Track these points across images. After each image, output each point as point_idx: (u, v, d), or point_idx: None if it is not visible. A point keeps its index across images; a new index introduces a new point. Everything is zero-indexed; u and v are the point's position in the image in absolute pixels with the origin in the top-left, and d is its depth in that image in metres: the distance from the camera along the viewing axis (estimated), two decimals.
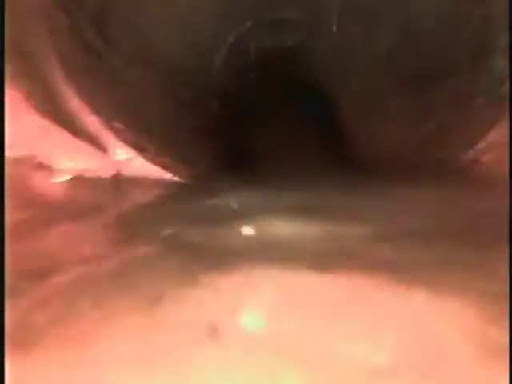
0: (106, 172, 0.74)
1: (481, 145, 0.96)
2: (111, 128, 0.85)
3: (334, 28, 2.31)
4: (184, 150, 1.21)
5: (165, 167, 0.87)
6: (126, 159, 0.81)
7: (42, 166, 0.68)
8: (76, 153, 0.72)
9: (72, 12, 1.08)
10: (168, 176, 0.85)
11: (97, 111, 0.87)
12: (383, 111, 2.09)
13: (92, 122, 0.82)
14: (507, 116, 1.04)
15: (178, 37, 2.02)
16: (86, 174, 0.71)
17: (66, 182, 0.68)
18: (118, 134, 0.85)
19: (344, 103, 2.67)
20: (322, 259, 0.58)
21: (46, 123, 0.68)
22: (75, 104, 0.83)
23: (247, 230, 0.64)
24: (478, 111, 1.08)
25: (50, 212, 0.63)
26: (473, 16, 1.36)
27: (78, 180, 0.69)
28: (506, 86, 1.09)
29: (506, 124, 1.01)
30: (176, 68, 1.95)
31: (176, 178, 0.85)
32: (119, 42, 1.22)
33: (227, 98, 2.54)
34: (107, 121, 0.89)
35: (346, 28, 2.41)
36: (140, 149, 0.86)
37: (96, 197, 0.69)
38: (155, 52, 1.58)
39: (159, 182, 0.81)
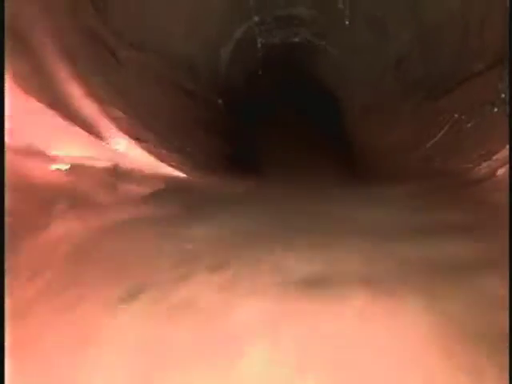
0: (104, 162, 0.70)
1: (497, 156, 0.91)
2: (110, 116, 0.81)
3: (346, 23, 2.26)
4: (183, 142, 1.17)
5: (163, 159, 0.83)
6: (124, 150, 0.77)
7: (40, 154, 0.64)
8: (74, 141, 0.68)
9: None
10: (167, 170, 0.81)
11: (96, 97, 0.83)
12: (391, 118, 2.04)
13: (91, 108, 0.78)
14: None
15: (185, 28, 1.98)
16: (85, 163, 0.67)
17: (64, 170, 0.65)
18: (117, 122, 0.81)
19: (350, 105, 2.63)
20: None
21: (43, 108, 0.65)
22: (74, 88, 0.79)
23: None
24: (494, 121, 1.04)
25: (48, 200, 0.59)
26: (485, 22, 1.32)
27: (75, 169, 0.65)
28: None
29: None
30: (183, 59, 1.90)
31: (175, 172, 0.81)
32: (123, 28, 1.18)
33: (231, 93, 2.49)
34: (107, 108, 0.85)
35: (355, 31, 2.37)
36: (139, 139, 0.82)
37: (93, 189, 0.65)
38: (161, 41, 1.53)
39: (156, 176, 0.77)
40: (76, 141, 0.68)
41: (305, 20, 2.84)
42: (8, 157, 0.61)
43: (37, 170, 0.66)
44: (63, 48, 0.81)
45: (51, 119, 0.64)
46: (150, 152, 0.82)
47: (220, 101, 2.49)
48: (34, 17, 0.74)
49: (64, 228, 0.63)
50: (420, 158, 1.24)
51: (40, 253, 0.59)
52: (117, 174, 0.72)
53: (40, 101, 0.64)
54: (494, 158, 0.90)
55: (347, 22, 2.18)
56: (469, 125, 1.09)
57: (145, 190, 0.73)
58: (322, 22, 2.74)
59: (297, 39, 2.92)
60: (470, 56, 1.39)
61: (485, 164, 0.90)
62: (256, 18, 2.77)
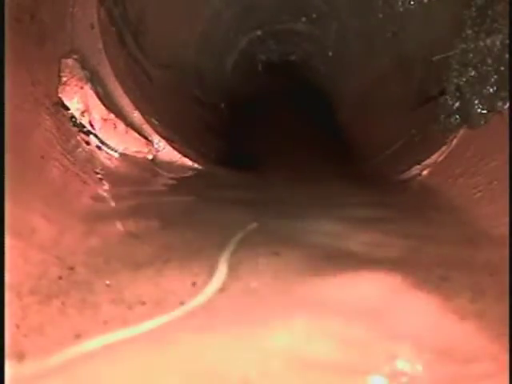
0: (148, 154, 1.05)
1: (425, 162, 1.26)
2: (150, 122, 1.15)
3: (330, 53, 2.59)
4: (196, 143, 1.51)
5: (186, 155, 1.17)
6: (160, 147, 1.11)
7: (106, 145, 0.98)
8: (128, 139, 1.02)
9: (120, 27, 1.37)
10: (189, 163, 1.15)
11: (139, 108, 1.17)
12: (372, 126, 2.39)
13: (137, 116, 1.12)
14: (451, 142, 1.34)
15: (197, 42, 2.32)
16: (136, 155, 1.02)
17: (121, 158, 0.99)
18: (155, 127, 1.15)
19: (342, 113, 2.95)
20: None
21: (110, 115, 0.98)
22: (125, 102, 1.13)
23: None
24: (431, 136, 1.38)
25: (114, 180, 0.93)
26: (439, 58, 1.67)
27: (130, 158, 0.99)
28: (454, 120, 1.40)
29: (447, 148, 1.31)
30: (194, 70, 2.24)
31: (195, 165, 1.15)
32: (153, 51, 1.51)
33: (233, 99, 2.82)
34: (146, 116, 1.19)
35: (345, 48, 2.71)
36: (168, 139, 1.16)
37: (141, 172, 0.99)
38: (179, 58, 1.87)
39: (182, 167, 1.11)
40: (129, 139, 1.02)
41: (302, 35, 3.15)
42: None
43: (104, 157, 1.00)
44: (117, 74, 1.14)
45: (117, 124, 0.98)
46: (175, 149, 1.16)
47: (223, 105, 2.79)
48: (98, 51, 1.08)
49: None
50: (381, 163, 1.59)
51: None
52: (155, 163, 1.06)
53: (110, 112, 0.98)
54: (424, 163, 1.25)
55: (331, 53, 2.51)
56: (416, 138, 1.44)
57: (175, 175, 1.07)
58: (318, 37, 3.05)
59: (295, 52, 3.23)
60: (429, 83, 1.74)
61: (415, 167, 1.25)
62: (258, 32, 3.08)
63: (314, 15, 2.68)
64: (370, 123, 2.45)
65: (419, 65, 2.01)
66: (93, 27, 1.24)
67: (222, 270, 0.59)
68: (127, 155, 1.00)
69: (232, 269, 0.60)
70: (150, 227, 0.77)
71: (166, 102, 1.48)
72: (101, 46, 1.21)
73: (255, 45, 3.08)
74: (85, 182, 0.92)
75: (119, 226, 0.81)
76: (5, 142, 0.65)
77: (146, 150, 1.03)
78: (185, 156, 1.16)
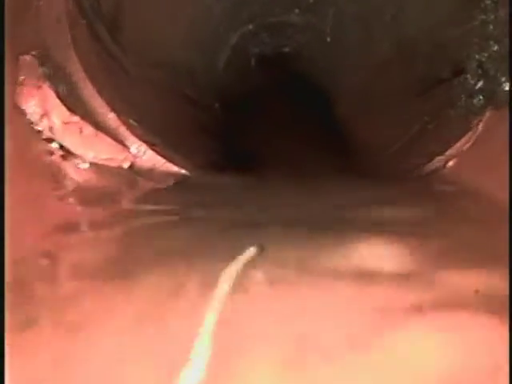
0: (124, 162, 0.88)
1: (449, 152, 1.09)
2: (127, 124, 0.99)
3: (328, 38, 2.44)
4: (185, 146, 1.35)
5: (171, 160, 1.01)
6: (140, 152, 0.95)
7: (71, 155, 0.82)
8: (99, 145, 0.86)
9: (92, 20, 1.22)
10: (175, 169, 0.99)
11: (114, 109, 1.01)
12: (377, 117, 2.23)
13: (111, 118, 0.96)
14: (477, 127, 1.18)
15: (185, 38, 2.16)
16: (108, 163, 0.85)
17: (90, 168, 0.82)
18: (133, 129, 0.99)
19: (341, 107, 2.80)
20: None
21: (73, 118, 0.83)
22: (98, 102, 0.97)
23: None
24: (450, 122, 1.22)
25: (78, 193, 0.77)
26: (453, 35, 1.50)
27: (101, 168, 0.83)
28: (478, 101, 1.24)
29: (472, 135, 1.15)
30: (183, 67, 2.08)
31: (182, 171, 0.99)
32: (133, 48, 1.36)
33: (227, 98, 2.67)
34: (123, 117, 1.03)
35: (342, 36, 2.55)
36: (149, 143, 1.00)
37: (116, 184, 0.83)
38: (164, 54, 1.72)
39: (166, 174, 0.95)
40: (99, 145, 0.86)
41: (297, 27, 3.00)
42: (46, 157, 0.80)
43: (69, 168, 0.84)
44: (87, 70, 0.98)
45: (82, 127, 0.82)
46: (159, 153, 1.00)
47: (217, 104, 2.65)
48: (66, 46, 0.92)
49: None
50: (390, 157, 1.42)
51: None
52: (133, 171, 0.90)
53: (73, 114, 0.82)
54: (447, 153, 1.08)
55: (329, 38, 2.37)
56: (430, 126, 1.28)
57: (155, 184, 0.91)
58: (314, 28, 2.91)
59: (289, 45, 3.09)
60: (439, 65, 1.57)
61: (437, 158, 1.08)
62: (250, 26, 2.94)
63: (311, 0, 2.53)
64: (375, 115, 2.29)
65: (424, 47, 1.85)
66: (60, 20, 1.09)
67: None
68: (98, 165, 0.84)
69: None
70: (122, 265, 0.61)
71: (149, 101, 1.32)
72: (69, 40, 1.05)
73: (248, 39, 2.94)
74: (49, 203, 0.76)
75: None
76: None
77: (120, 156, 0.87)
78: (170, 161, 1.00)
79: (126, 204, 0.82)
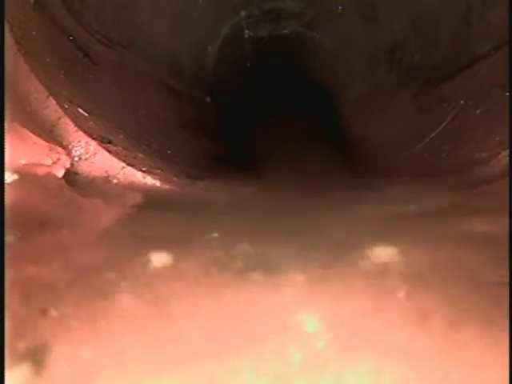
0: (57, 169, 0.60)
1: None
2: (72, 116, 0.71)
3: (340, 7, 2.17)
4: (164, 143, 1.08)
5: (133, 164, 0.73)
6: (89, 152, 0.67)
7: None
8: (27, 145, 0.59)
9: None
10: (140, 177, 0.70)
11: (56, 94, 0.74)
12: (388, 109, 1.96)
13: (50, 107, 0.69)
14: None
15: (168, 23, 1.89)
16: (38, 171, 0.57)
17: (13, 183, 0.54)
18: (80, 122, 0.72)
19: (345, 98, 2.54)
20: None
21: None
22: (30, 84, 0.70)
23: None
24: (506, 105, 0.94)
25: None
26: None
27: (25, 179, 0.54)
28: None
29: None
30: (165, 56, 1.81)
31: (152, 181, 0.70)
32: (98, 25, 1.08)
33: (221, 91, 2.40)
34: (71, 108, 0.76)
35: (346, 20, 2.28)
36: (104, 140, 0.73)
37: (46, 207, 0.53)
38: (141, 37, 1.44)
39: (123, 182, 0.67)
40: (26, 145, 0.58)
41: (292, 13, 2.77)
42: None
43: None
44: (24, 41, 0.71)
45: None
46: (118, 156, 0.73)
47: (208, 99, 2.41)
48: None
49: None
50: (424, 151, 1.15)
51: None
52: (70, 180, 0.62)
53: None
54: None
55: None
56: (477, 111, 1.00)
57: (107, 200, 0.62)
58: (311, 14, 2.67)
59: (286, 31, 2.85)
60: (473, 38, 1.30)
61: (504, 153, 0.80)
62: (243, 13, 2.71)
63: None
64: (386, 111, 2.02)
65: (447, 25, 1.58)
66: None
67: None
68: (20, 173, 0.57)
69: None
70: None
71: (113, 90, 1.05)
72: None
73: (241, 27, 2.69)
74: None
75: None
76: None
77: (49, 161, 0.59)
78: (130, 165, 0.72)
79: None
